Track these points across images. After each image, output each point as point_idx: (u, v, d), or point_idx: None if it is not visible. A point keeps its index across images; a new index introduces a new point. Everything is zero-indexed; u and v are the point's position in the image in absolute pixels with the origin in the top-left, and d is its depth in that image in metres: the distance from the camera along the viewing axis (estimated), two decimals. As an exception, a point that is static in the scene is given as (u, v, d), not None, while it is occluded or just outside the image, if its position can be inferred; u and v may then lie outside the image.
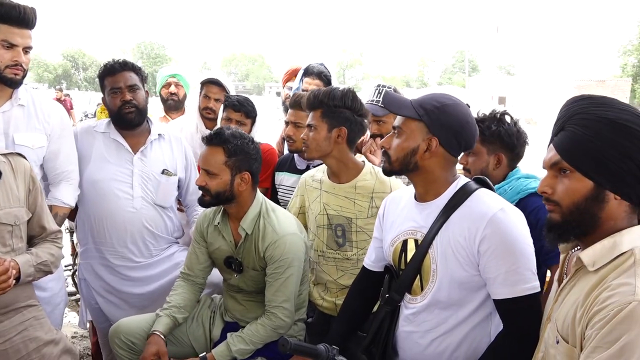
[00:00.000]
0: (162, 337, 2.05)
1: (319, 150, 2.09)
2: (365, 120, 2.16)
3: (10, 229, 1.77)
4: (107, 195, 2.38)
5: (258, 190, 2.19)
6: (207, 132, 2.91)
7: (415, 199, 1.66)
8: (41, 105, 2.22)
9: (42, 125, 2.20)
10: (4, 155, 1.82)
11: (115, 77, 2.36)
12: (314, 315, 2.33)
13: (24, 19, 2.00)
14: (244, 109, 2.72)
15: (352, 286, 1.92)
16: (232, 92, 3.10)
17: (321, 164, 2.29)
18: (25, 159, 1.90)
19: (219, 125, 2.79)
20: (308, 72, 3.11)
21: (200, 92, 3.02)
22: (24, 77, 2.09)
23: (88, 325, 2.93)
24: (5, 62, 2.00)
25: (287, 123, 2.57)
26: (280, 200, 2.62)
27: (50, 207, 2.23)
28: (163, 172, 2.48)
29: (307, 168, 2.61)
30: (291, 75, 3.50)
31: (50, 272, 1.92)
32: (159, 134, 2.53)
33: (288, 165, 2.72)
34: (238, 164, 2.03)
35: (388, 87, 2.64)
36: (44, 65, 58.33)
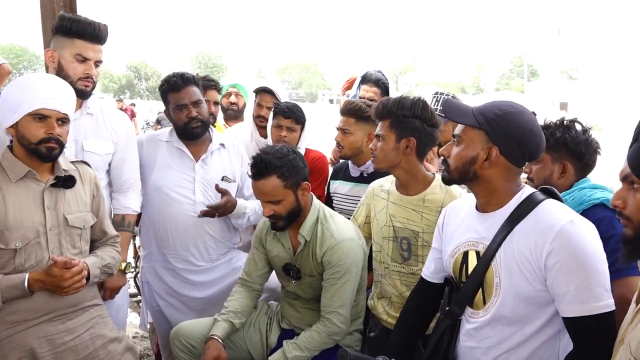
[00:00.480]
0: (220, 341, 2.09)
1: (387, 161, 2.06)
2: (437, 131, 2.10)
3: (79, 232, 1.88)
4: (170, 200, 2.46)
5: (314, 196, 2.20)
6: (262, 140, 3.00)
7: (477, 209, 1.60)
8: (108, 115, 2.33)
9: (109, 133, 2.30)
10: (72, 162, 1.94)
11: (179, 93, 2.42)
12: (377, 330, 2.27)
13: (97, 36, 2.11)
14: (294, 115, 2.75)
15: (410, 297, 1.88)
16: (285, 99, 3.14)
17: (384, 173, 2.26)
18: (90, 167, 2.02)
19: (269, 131, 2.85)
20: (365, 80, 3.10)
21: (255, 101, 3.07)
22: (93, 88, 2.19)
23: (148, 326, 3.03)
24: (78, 74, 2.10)
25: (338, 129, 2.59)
26: (335, 208, 2.62)
27: (122, 216, 2.36)
28: (223, 178, 2.54)
29: (361, 176, 2.60)
30: (350, 83, 3.50)
31: (112, 275, 2.03)
32: (221, 144, 2.60)
33: (343, 173, 2.71)
34: (295, 180, 2.05)
35: (447, 95, 2.58)
36: (110, 76, 61.52)
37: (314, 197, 2.20)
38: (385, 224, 2.15)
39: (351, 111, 2.51)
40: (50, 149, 1.76)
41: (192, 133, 2.45)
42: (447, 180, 1.63)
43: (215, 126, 3.15)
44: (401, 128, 2.02)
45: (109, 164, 2.33)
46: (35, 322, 1.75)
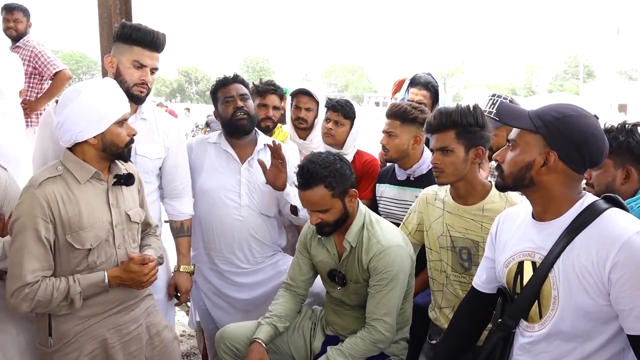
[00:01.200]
0: (264, 345, 2.09)
1: (457, 174, 1.98)
2: (491, 135, 2.04)
3: (137, 227, 1.97)
4: (216, 203, 2.50)
5: (360, 201, 2.17)
6: (300, 141, 3.00)
7: (533, 217, 1.52)
8: (161, 120, 2.38)
9: (161, 139, 2.35)
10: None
11: (227, 87, 2.51)
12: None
13: (155, 44, 2.17)
14: (342, 110, 2.75)
15: (461, 306, 1.82)
16: (322, 101, 3.13)
17: (431, 176, 2.20)
18: (132, 163, 2.08)
19: (319, 127, 2.88)
20: (414, 82, 3.04)
21: (292, 103, 3.07)
22: (147, 94, 2.25)
23: (195, 325, 3.08)
24: (134, 80, 2.16)
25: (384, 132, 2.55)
26: (381, 213, 2.58)
27: (180, 222, 2.44)
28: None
29: (408, 179, 2.55)
30: (399, 86, 3.46)
31: (161, 264, 2.11)
32: (265, 144, 2.61)
33: (389, 177, 2.67)
34: (342, 188, 2.03)
35: (504, 98, 2.49)
36: (162, 80, 63.61)
37: (361, 202, 2.17)
38: (442, 234, 2.10)
39: (396, 114, 2.47)
40: (130, 150, 1.87)
41: (238, 125, 2.47)
42: (502, 187, 1.56)
43: (275, 132, 3.18)
44: (468, 138, 1.95)
45: (160, 169, 2.39)
46: (106, 315, 1.84)
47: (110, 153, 1.83)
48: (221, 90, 2.53)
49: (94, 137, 1.78)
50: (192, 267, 2.47)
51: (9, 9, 4.19)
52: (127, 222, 1.90)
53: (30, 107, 4.12)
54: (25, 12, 4.24)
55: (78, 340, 1.78)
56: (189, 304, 2.96)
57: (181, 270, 2.40)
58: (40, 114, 4.04)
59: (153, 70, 2.22)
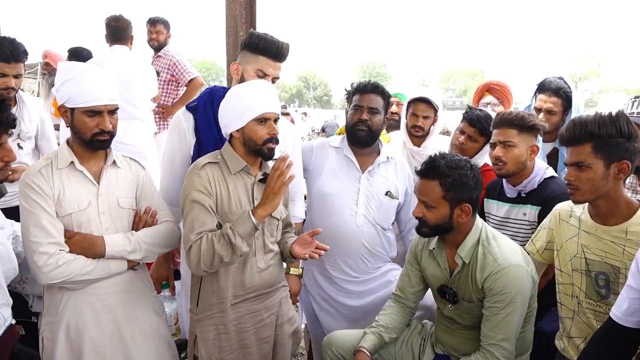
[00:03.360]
0: (369, 354, 2.05)
1: (594, 192, 1.76)
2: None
3: (277, 223, 2.08)
4: (333, 209, 2.50)
5: (478, 216, 2.03)
6: (415, 149, 2.92)
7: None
8: (278, 125, 2.44)
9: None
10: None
11: (362, 96, 2.50)
12: None
13: (279, 54, 2.22)
14: (480, 125, 2.61)
15: (595, 339, 1.61)
16: (441, 108, 3.00)
17: (546, 192, 2.00)
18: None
19: (435, 134, 2.80)
20: (544, 88, 2.80)
21: (408, 110, 2.99)
22: None
23: (303, 327, 3.13)
24: None
25: (492, 145, 2.35)
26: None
27: (292, 225, 2.45)
28: (386, 193, 2.52)
29: (519, 196, 2.35)
30: (482, 92, 3.29)
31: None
32: (388, 157, 2.57)
33: (498, 193, 2.48)
34: (457, 196, 1.91)
35: (650, 100, 2.20)
36: (282, 86, 66.51)
37: (477, 216, 2.03)
38: (575, 255, 1.89)
39: (512, 121, 2.27)
40: (271, 150, 1.94)
41: (357, 135, 2.48)
42: None
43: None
44: (609, 151, 1.72)
45: None
46: (243, 299, 1.99)
47: (250, 148, 1.93)
48: (356, 95, 2.53)
49: (237, 130, 1.92)
50: (301, 270, 2.50)
51: (152, 22, 4.63)
52: (269, 216, 1.99)
53: (166, 112, 4.52)
54: (166, 24, 4.66)
55: (217, 317, 1.96)
56: (297, 304, 3.01)
57: (291, 272, 2.44)
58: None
59: (274, 79, 2.27)
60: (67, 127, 1.91)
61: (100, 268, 1.89)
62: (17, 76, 2.65)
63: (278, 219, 2.07)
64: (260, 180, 1.99)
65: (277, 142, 1.97)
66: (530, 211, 2.31)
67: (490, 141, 2.38)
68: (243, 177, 1.98)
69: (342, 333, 2.24)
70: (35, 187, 1.81)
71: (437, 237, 2.09)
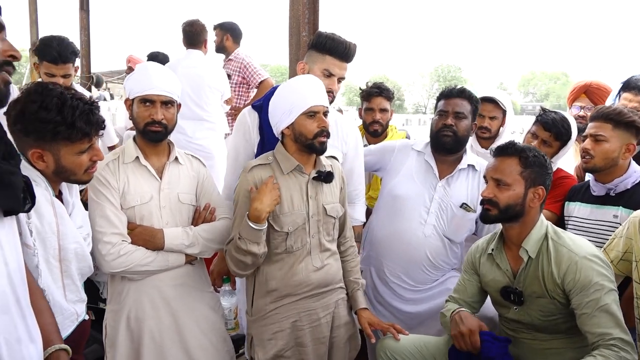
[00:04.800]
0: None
1: None
2: None
3: (333, 222, 2.07)
4: (402, 212, 2.42)
5: (542, 213, 1.93)
6: (482, 150, 2.79)
7: None
8: (342, 126, 2.42)
9: (340, 144, 2.39)
10: (327, 157, 2.10)
11: (448, 101, 2.40)
12: None
13: (346, 54, 2.22)
14: (555, 129, 2.45)
15: None
16: (510, 109, 2.86)
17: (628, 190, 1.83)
18: (338, 161, 2.20)
19: (504, 136, 2.68)
20: (629, 86, 2.62)
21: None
22: (332, 101, 2.26)
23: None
24: None
25: (584, 137, 2.23)
26: (568, 235, 2.24)
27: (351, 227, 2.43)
28: (462, 205, 2.39)
29: (606, 195, 2.18)
30: (578, 93, 3.06)
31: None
32: (469, 165, 2.45)
33: (582, 194, 2.31)
34: (534, 176, 1.85)
35: None
36: (354, 90, 66.67)
37: (542, 214, 1.93)
38: None
39: (608, 115, 2.15)
40: (322, 143, 1.94)
41: (440, 141, 2.38)
42: None
43: (389, 134, 3.11)
44: None
45: None
46: (298, 298, 1.99)
47: (302, 144, 1.93)
48: (442, 101, 2.43)
49: (287, 127, 1.93)
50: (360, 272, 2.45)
51: (214, 27, 4.79)
52: (324, 215, 2.01)
53: (238, 113, 4.64)
54: (224, 28, 4.77)
55: (272, 317, 1.97)
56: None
57: None
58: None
59: (340, 79, 2.27)
60: (130, 119, 2.02)
61: (160, 260, 1.97)
62: (65, 76, 2.73)
63: (334, 217, 2.06)
64: (314, 178, 1.98)
65: (328, 135, 1.95)
66: (622, 214, 2.12)
67: (583, 134, 2.27)
68: (296, 177, 1.98)
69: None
70: (102, 180, 1.91)
71: (496, 239, 1.99)
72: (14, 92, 3.10)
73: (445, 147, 2.38)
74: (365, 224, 2.60)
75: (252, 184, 1.92)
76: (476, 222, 2.45)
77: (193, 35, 4.00)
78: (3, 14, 1.11)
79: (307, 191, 1.97)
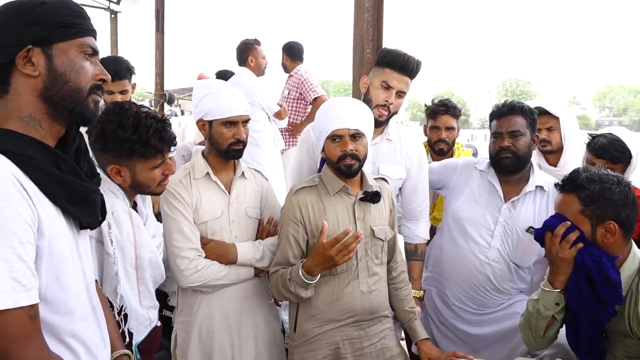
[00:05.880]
0: None
1: None
2: None
3: (382, 244, 2.01)
4: (465, 235, 2.35)
5: (634, 244, 1.77)
6: (550, 167, 2.65)
7: None
8: (406, 142, 2.39)
9: (403, 160, 2.37)
10: (375, 179, 2.09)
11: (500, 121, 2.29)
12: None
13: (405, 67, 2.19)
14: (608, 155, 2.32)
15: None
16: (566, 116, 2.67)
17: None
18: (388, 183, 2.15)
19: (571, 150, 2.54)
20: None
21: None
22: (390, 116, 2.28)
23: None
24: (379, 101, 2.21)
25: None
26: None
27: (415, 245, 2.41)
28: (529, 229, 2.27)
29: None
30: None
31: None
32: (537, 186, 2.31)
33: None
34: (599, 212, 1.68)
35: None
36: (418, 105, 65.97)
37: (634, 245, 1.77)
38: None
39: None
40: (348, 166, 1.90)
41: (501, 164, 2.28)
42: None
43: (456, 152, 3.01)
44: None
45: (399, 189, 2.40)
46: (342, 324, 1.93)
47: (333, 166, 1.93)
48: (494, 121, 2.32)
49: (322, 151, 1.95)
50: (422, 292, 2.41)
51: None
52: (371, 237, 1.96)
53: (295, 129, 4.73)
54: (285, 50, 4.95)
55: (315, 342, 1.93)
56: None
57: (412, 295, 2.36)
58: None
59: (400, 93, 2.24)
60: (205, 139, 2.10)
61: (232, 274, 2.02)
62: (122, 92, 2.87)
63: (383, 240, 2.00)
64: (361, 199, 1.95)
65: (353, 157, 1.88)
66: None
67: None
68: (343, 198, 1.96)
69: None
70: (177, 196, 1.99)
71: None
72: None
73: (508, 169, 2.28)
74: (428, 242, 2.55)
75: (296, 207, 1.92)
76: None
77: (239, 54, 4.28)
78: None
79: (354, 212, 1.94)
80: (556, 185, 1.83)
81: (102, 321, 1.28)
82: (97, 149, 1.71)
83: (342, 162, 1.88)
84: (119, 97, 2.82)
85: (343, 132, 1.88)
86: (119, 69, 2.82)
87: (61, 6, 1.12)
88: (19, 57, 1.07)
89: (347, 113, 1.91)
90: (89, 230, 1.25)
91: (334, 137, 1.90)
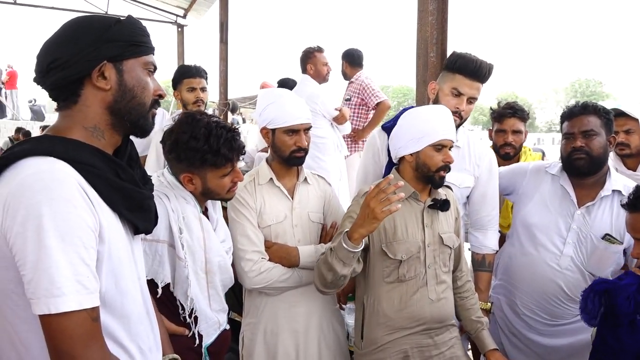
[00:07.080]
0: None
1: None
2: None
3: (449, 252, 1.99)
4: (536, 242, 2.26)
5: None
6: (628, 172, 2.51)
7: None
8: (474, 148, 2.32)
9: (472, 167, 2.30)
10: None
11: (572, 121, 2.20)
12: None
13: (477, 73, 2.13)
14: None
15: None
16: None
17: None
18: (452, 190, 2.11)
19: None
20: None
21: None
22: (460, 125, 2.22)
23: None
24: (450, 108, 2.09)
25: None
26: None
27: (482, 255, 2.34)
28: (604, 237, 2.15)
29: None
30: None
31: None
32: (614, 190, 2.19)
33: None
34: None
35: None
36: (480, 109, 64.11)
37: None
38: None
39: None
40: (442, 178, 1.91)
41: (574, 166, 2.18)
42: None
43: (522, 156, 2.91)
44: None
45: (467, 197, 2.34)
46: (411, 332, 1.92)
47: (422, 174, 1.91)
48: (565, 123, 2.25)
49: (410, 154, 1.92)
50: (490, 304, 2.33)
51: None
52: (440, 244, 1.95)
53: (358, 135, 4.72)
54: (345, 57, 4.97)
55: (385, 350, 1.91)
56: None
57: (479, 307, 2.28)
58: (365, 141, 4.57)
59: (470, 99, 2.18)
60: (269, 147, 2.15)
61: (294, 277, 2.05)
62: (202, 89, 3.16)
63: (451, 247, 1.98)
64: (429, 206, 1.93)
65: (449, 170, 1.91)
66: None
67: None
68: (411, 204, 1.94)
69: None
70: (242, 201, 2.06)
71: None
72: (165, 117, 3.52)
73: (581, 170, 2.16)
74: (497, 251, 2.46)
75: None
76: (624, 254, 2.19)
77: (301, 62, 4.33)
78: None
79: (422, 219, 1.93)
80: (623, 205, 1.72)
81: (155, 325, 1.32)
82: (170, 158, 1.79)
83: (439, 173, 1.89)
84: (200, 94, 3.13)
85: (448, 143, 1.90)
86: (200, 69, 3.18)
87: (133, 25, 1.19)
88: (95, 71, 1.14)
89: (452, 125, 1.94)
90: (142, 235, 1.29)
91: (439, 147, 1.89)
